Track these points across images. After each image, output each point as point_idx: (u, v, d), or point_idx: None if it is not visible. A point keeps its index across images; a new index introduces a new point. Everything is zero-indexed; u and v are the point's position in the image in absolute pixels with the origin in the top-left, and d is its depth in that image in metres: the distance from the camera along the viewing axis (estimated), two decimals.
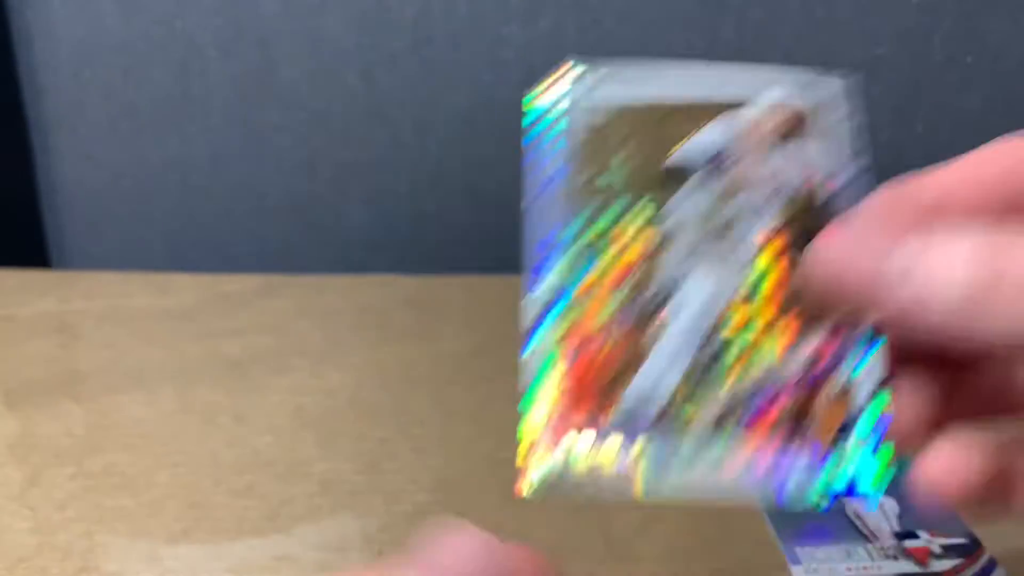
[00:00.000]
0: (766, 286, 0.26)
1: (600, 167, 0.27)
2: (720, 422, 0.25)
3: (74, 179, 0.75)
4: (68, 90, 0.72)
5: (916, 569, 0.41)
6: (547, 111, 0.27)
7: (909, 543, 0.42)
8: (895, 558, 0.41)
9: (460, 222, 0.77)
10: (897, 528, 0.43)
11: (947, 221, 0.23)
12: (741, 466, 0.24)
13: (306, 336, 0.60)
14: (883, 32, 0.73)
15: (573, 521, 0.43)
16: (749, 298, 0.25)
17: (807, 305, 0.25)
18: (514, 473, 0.50)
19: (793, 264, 0.26)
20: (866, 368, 0.25)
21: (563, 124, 0.27)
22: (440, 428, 0.51)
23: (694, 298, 0.25)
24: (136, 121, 0.73)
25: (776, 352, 0.25)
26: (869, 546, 0.42)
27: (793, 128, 0.27)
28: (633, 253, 0.26)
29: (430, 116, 0.74)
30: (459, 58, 0.72)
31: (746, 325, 0.25)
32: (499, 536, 0.23)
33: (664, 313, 0.25)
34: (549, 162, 0.27)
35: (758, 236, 0.26)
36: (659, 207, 0.26)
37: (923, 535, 0.43)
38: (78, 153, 0.74)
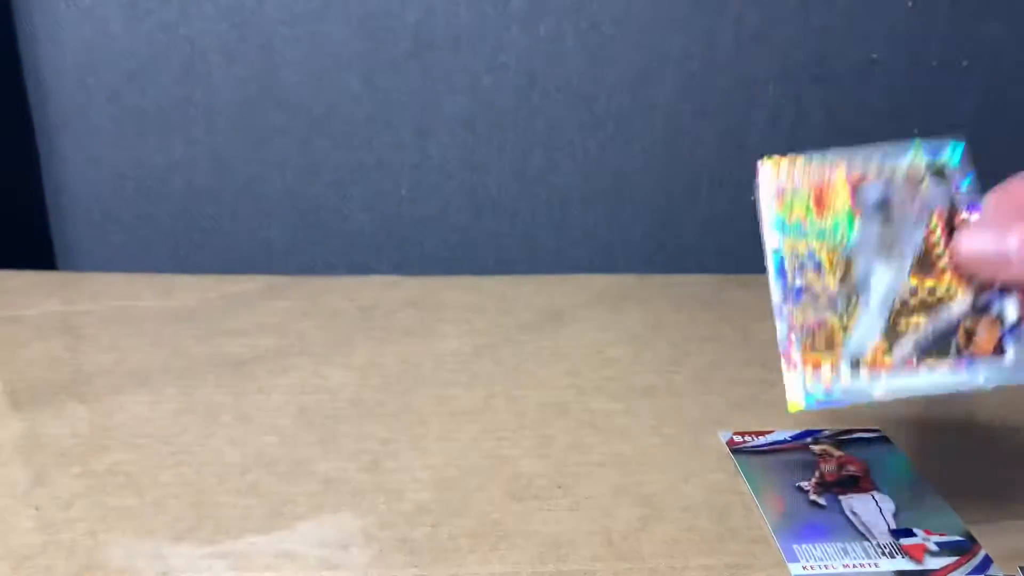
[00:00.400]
0: (934, 266, 0.40)
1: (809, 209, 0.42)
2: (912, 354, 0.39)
3: (79, 181, 0.75)
4: (73, 94, 0.72)
5: (912, 566, 0.41)
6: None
7: (905, 540, 0.43)
8: (891, 555, 0.42)
9: (460, 224, 0.78)
10: (893, 526, 0.44)
11: None
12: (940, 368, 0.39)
13: (309, 336, 0.61)
14: (878, 36, 0.74)
15: (573, 519, 0.44)
16: (923, 275, 0.40)
17: (959, 275, 0.40)
18: (514, 473, 0.51)
19: (945, 251, 0.40)
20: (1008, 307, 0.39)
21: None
22: (440, 428, 0.51)
23: (877, 288, 0.40)
24: (140, 124, 0.73)
25: (946, 302, 0.39)
26: (865, 543, 0.43)
27: (926, 176, 0.42)
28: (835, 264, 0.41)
29: (431, 120, 0.74)
30: (460, 62, 0.73)
31: (924, 292, 0.40)
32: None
33: (860, 300, 0.40)
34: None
35: (918, 241, 0.40)
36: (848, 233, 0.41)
37: (919, 532, 0.43)
38: (83, 156, 0.74)
